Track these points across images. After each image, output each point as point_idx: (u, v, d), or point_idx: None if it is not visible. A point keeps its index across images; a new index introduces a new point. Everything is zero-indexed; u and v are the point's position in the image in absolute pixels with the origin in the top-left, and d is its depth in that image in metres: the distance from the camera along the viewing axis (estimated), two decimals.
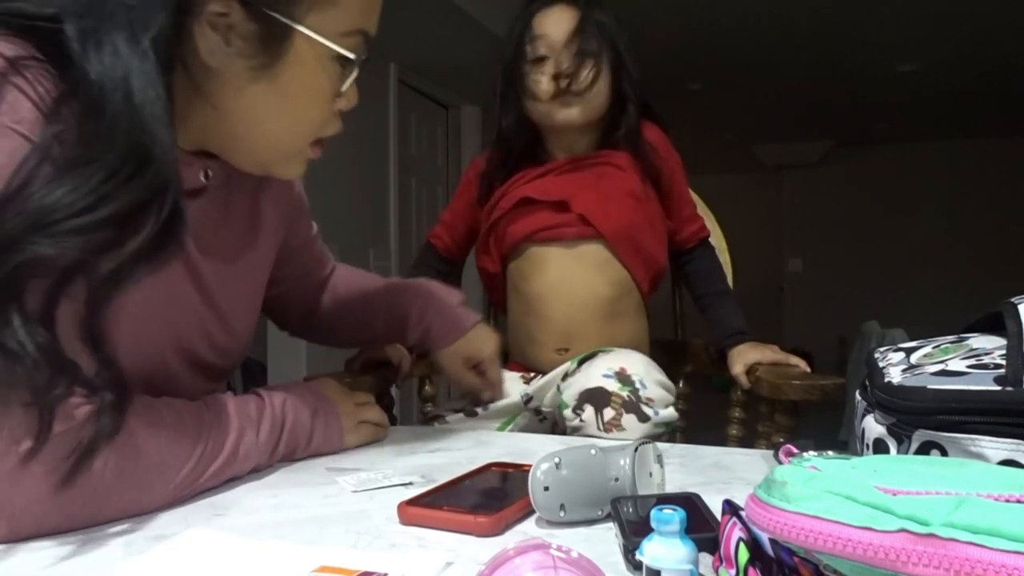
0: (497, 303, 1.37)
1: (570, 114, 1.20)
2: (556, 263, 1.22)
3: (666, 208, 1.29)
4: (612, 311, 1.22)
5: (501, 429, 1.16)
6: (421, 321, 1.06)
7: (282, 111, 0.71)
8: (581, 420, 1.02)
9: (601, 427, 1.00)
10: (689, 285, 1.35)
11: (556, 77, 1.18)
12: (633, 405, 1.00)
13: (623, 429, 0.99)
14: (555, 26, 1.20)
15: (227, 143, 0.74)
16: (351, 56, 0.70)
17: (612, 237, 1.20)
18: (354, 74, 0.72)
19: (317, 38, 0.68)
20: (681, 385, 1.35)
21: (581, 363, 1.12)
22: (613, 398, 1.00)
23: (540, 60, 1.21)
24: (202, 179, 0.76)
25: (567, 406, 1.05)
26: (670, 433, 1.08)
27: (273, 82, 0.68)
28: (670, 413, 1.04)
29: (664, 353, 1.32)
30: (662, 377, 1.09)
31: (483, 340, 1.09)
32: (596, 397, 1.01)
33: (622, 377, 1.03)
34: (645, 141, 1.24)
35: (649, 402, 1.02)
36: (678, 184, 1.29)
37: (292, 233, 0.97)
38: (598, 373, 1.04)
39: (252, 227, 0.86)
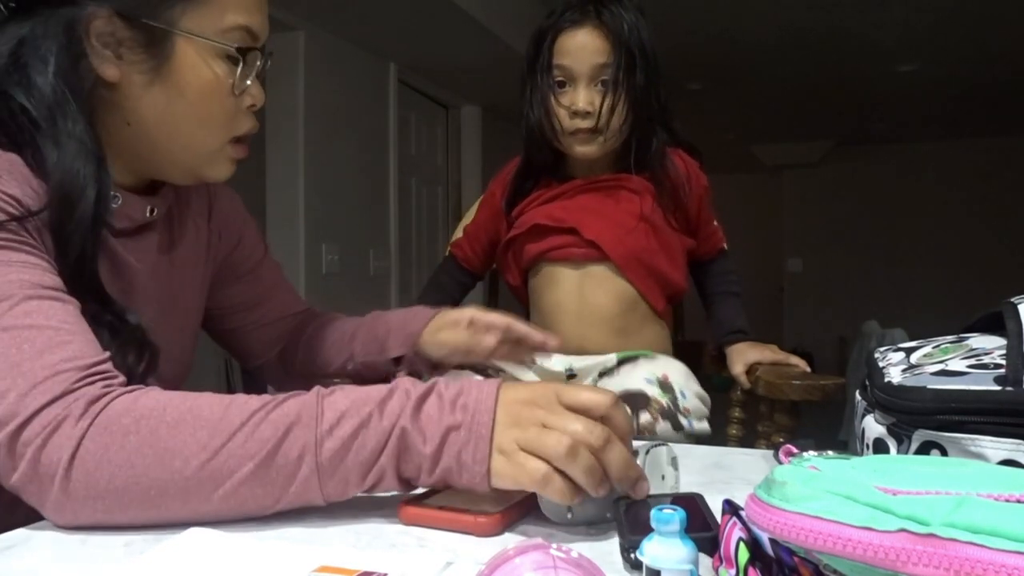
0: (526, 314, 1.37)
1: (589, 150, 1.17)
2: (566, 281, 1.22)
3: (689, 231, 1.27)
4: (621, 326, 1.21)
5: None
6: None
7: (183, 110, 0.75)
8: None
9: (635, 430, 1.00)
10: (700, 287, 1.36)
11: (575, 114, 1.15)
12: (671, 413, 1.01)
13: (655, 435, 1.00)
14: (578, 54, 1.14)
15: (152, 157, 0.78)
16: (232, 49, 0.74)
17: (622, 263, 1.19)
18: (245, 69, 0.75)
19: (194, 37, 0.72)
20: None
21: (621, 363, 1.12)
22: (653, 403, 1.01)
23: (560, 85, 1.17)
24: (147, 215, 0.80)
25: None
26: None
27: (166, 83, 0.73)
28: (704, 427, 1.04)
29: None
30: (700, 389, 1.09)
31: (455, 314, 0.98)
32: (635, 400, 1.02)
33: (664, 384, 1.04)
34: (672, 167, 1.21)
35: (686, 412, 1.03)
36: (704, 209, 1.28)
37: (241, 255, 0.98)
38: (641, 377, 1.05)
39: (196, 255, 0.90)
